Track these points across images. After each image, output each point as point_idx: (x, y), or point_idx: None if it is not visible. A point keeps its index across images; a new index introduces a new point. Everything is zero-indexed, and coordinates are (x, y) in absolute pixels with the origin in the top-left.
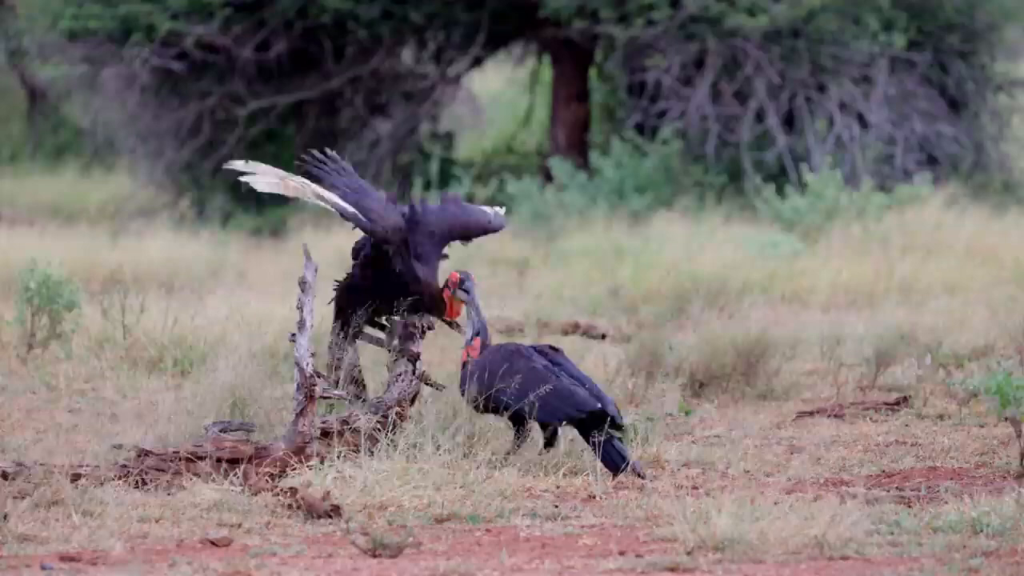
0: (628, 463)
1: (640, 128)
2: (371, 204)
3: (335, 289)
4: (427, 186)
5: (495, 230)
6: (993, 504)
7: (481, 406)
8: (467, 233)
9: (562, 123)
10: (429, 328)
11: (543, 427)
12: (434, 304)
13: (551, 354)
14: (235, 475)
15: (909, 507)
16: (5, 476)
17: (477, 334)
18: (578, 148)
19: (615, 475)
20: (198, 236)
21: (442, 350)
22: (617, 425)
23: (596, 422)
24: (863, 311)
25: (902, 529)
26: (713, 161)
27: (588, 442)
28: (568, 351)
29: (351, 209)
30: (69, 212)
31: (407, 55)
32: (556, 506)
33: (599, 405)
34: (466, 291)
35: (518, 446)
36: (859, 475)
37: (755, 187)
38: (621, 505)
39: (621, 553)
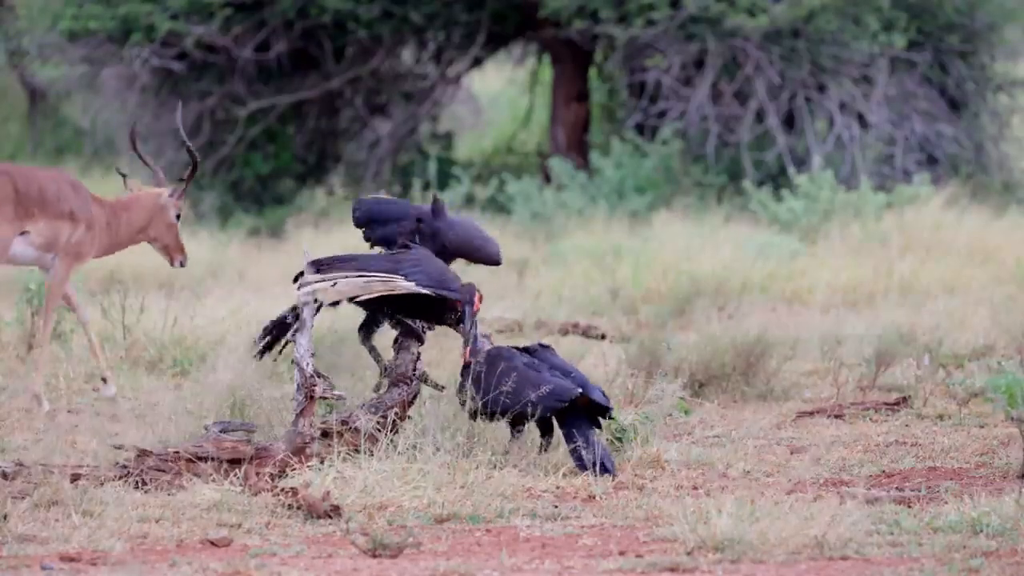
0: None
1: (640, 128)
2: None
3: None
4: (426, 186)
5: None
6: (993, 504)
7: (477, 415)
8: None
9: (562, 123)
10: (428, 328)
11: (538, 426)
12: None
13: (537, 351)
14: (235, 475)
15: (909, 507)
16: (5, 476)
17: (471, 342)
18: (578, 148)
19: (614, 476)
20: (197, 236)
21: (442, 350)
22: (604, 410)
23: (587, 413)
24: (863, 311)
25: (902, 529)
26: (713, 161)
27: (571, 440)
28: (568, 351)
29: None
30: None
31: (407, 55)
32: (556, 506)
33: (579, 391)
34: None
35: (511, 446)
36: (859, 475)
37: (751, 191)
38: (621, 505)
39: (621, 553)
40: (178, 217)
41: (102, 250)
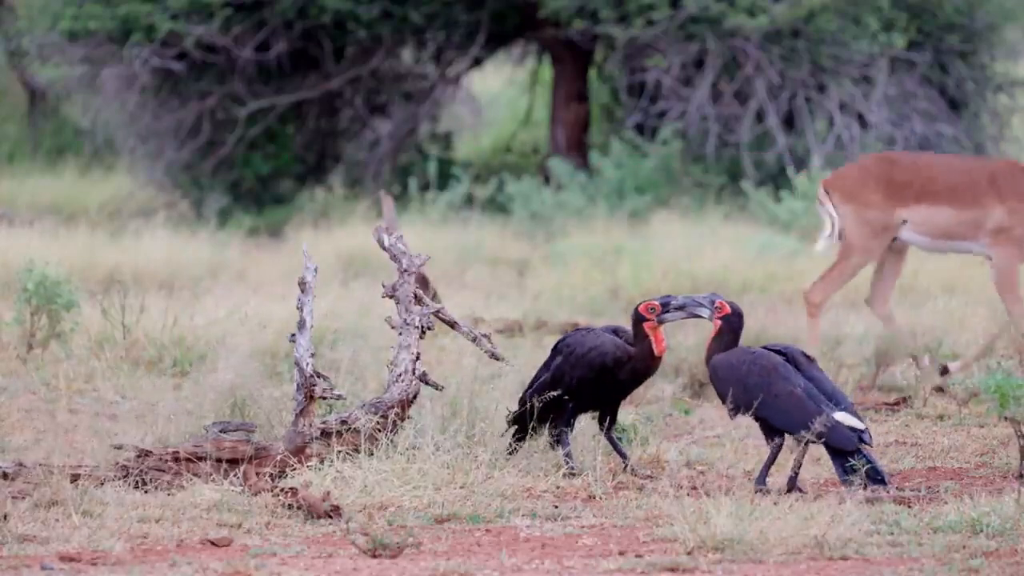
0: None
1: (640, 128)
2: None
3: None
4: (426, 186)
5: None
6: (993, 504)
7: (738, 414)
8: None
9: (562, 123)
10: (428, 328)
11: (830, 449)
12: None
13: (806, 367)
14: (235, 475)
15: (909, 507)
16: (5, 476)
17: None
18: (578, 148)
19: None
20: (197, 236)
21: (441, 350)
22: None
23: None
24: (863, 311)
25: (902, 529)
26: (713, 161)
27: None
28: None
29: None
30: (69, 212)
31: (407, 55)
32: (556, 506)
33: (858, 441)
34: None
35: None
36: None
37: (750, 191)
38: (621, 505)
39: (621, 553)
40: None
41: None
